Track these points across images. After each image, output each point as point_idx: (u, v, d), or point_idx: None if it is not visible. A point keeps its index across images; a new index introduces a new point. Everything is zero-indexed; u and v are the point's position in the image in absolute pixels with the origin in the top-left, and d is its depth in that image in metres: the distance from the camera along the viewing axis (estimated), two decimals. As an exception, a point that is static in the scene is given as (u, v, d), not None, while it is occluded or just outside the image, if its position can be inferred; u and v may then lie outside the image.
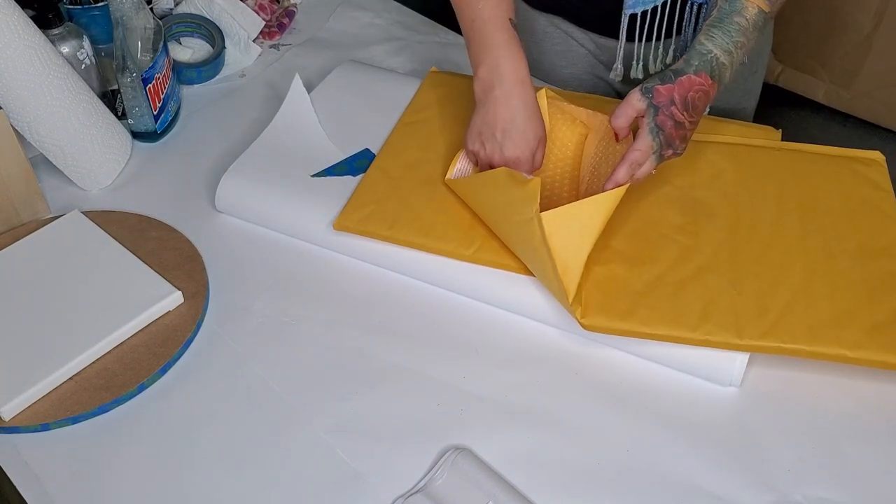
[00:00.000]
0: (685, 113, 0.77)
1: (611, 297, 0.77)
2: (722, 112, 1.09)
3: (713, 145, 0.91)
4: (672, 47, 0.96)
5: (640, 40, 0.95)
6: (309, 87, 1.02)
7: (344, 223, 0.85)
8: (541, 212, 0.74)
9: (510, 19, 0.82)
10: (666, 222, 0.84)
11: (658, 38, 0.94)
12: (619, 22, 0.95)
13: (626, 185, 0.77)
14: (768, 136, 0.93)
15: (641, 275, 0.79)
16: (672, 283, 0.78)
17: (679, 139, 0.78)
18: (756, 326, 0.74)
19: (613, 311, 0.76)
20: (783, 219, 0.84)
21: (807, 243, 0.82)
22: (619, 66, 0.98)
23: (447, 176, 0.87)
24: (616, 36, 0.97)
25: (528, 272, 0.80)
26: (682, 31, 0.94)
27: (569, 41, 1.06)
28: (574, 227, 0.75)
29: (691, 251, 0.81)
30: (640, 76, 0.97)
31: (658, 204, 0.86)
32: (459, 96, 0.98)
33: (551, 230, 0.74)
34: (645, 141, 0.77)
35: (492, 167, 0.84)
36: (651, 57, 0.97)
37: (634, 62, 0.97)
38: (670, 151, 0.79)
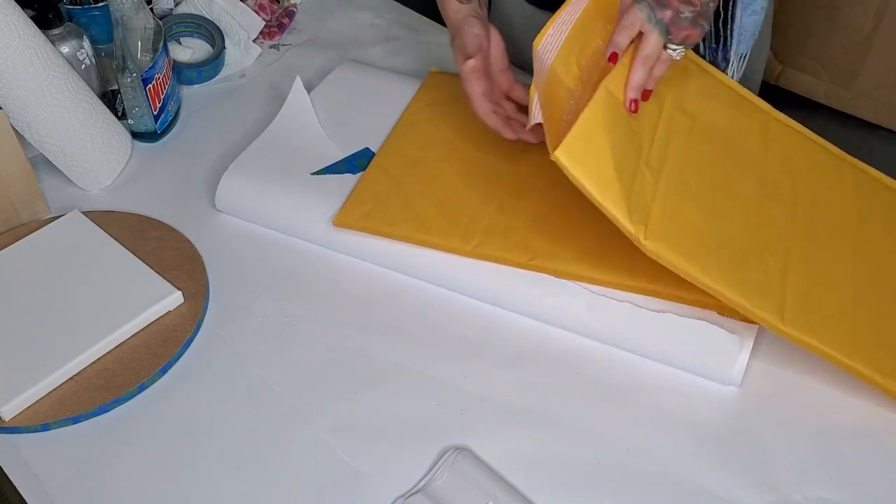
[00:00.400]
0: None
1: (680, 234, 0.75)
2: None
3: (791, 132, 0.91)
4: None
5: None
6: (309, 87, 1.02)
7: (343, 220, 0.85)
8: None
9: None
10: (743, 187, 0.82)
11: None
12: None
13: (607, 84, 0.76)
14: None
15: (714, 227, 0.77)
16: (740, 248, 0.77)
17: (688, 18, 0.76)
18: (802, 320, 0.73)
19: (680, 247, 0.74)
20: (860, 227, 0.83)
21: (878, 258, 0.81)
22: None
23: (529, 124, 0.82)
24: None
25: (529, 267, 0.80)
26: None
27: None
28: (589, 150, 0.73)
29: (764, 226, 0.80)
30: None
31: (736, 166, 0.84)
32: (460, 96, 0.98)
33: (570, 163, 0.72)
34: (650, 37, 0.76)
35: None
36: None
37: None
38: (684, 33, 0.77)
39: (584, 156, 0.72)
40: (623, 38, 0.77)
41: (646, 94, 0.79)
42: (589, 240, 0.81)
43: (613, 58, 0.77)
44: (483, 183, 0.88)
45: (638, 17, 0.77)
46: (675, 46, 0.78)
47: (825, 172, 0.88)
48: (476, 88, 0.86)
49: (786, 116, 0.92)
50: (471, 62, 0.85)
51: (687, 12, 0.77)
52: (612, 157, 0.74)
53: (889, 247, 0.83)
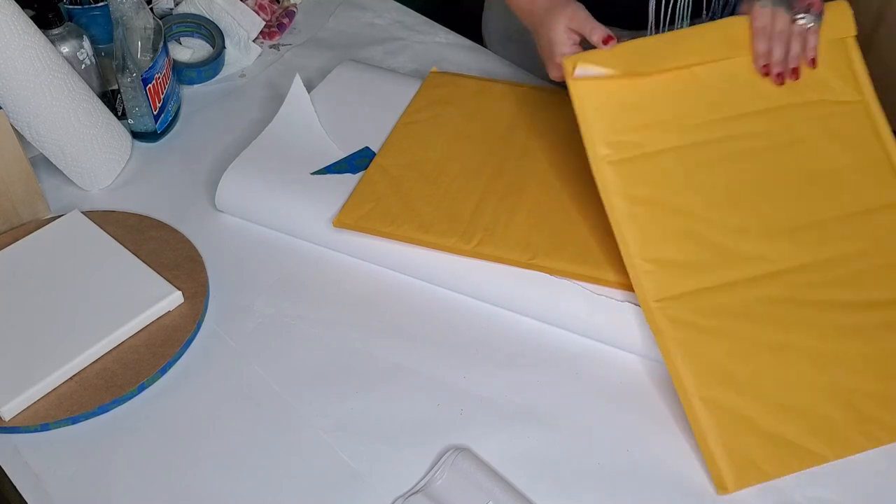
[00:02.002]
0: None
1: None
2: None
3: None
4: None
5: (665, 25, 0.95)
6: (309, 87, 1.02)
7: (344, 220, 0.85)
8: None
9: None
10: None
11: (683, 21, 0.95)
12: (625, 12, 0.97)
13: None
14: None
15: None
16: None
17: None
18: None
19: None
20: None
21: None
22: None
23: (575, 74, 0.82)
24: (621, 26, 0.98)
25: (529, 266, 0.80)
26: (710, 9, 0.95)
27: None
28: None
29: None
30: None
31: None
32: (460, 96, 0.98)
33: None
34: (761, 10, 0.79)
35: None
36: None
37: None
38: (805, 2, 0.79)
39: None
40: (762, 45, 0.80)
41: (796, 72, 0.82)
42: (589, 238, 0.81)
43: (780, 77, 0.81)
44: (483, 182, 0.88)
45: (768, 11, 0.79)
46: (802, 15, 0.80)
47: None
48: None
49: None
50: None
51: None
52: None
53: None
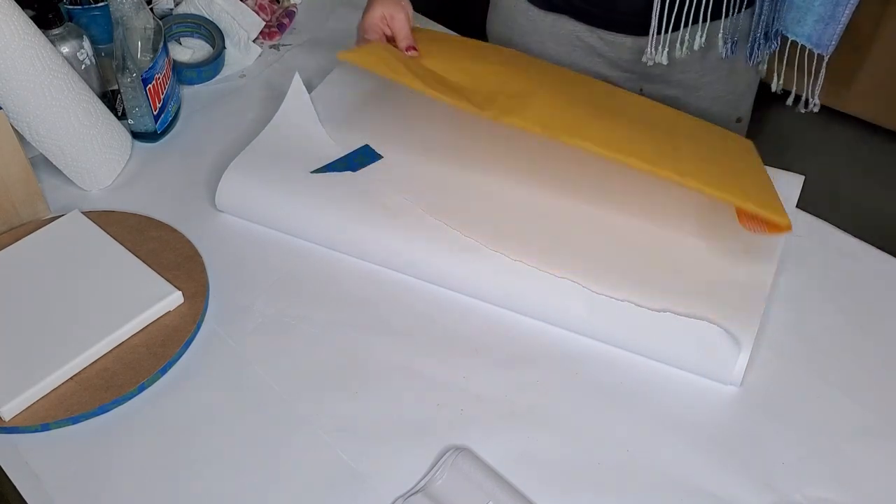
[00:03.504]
0: None
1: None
2: (715, 115, 1.09)
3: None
4: (699, 33, 0.95)
5: (667, 30, 0.94)
6: (309, 87, 1.02)
7: (351, 55, 0.87)
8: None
9: None
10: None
11: (685, 26, 0.94)
12: (629, 18, 0.97)
13: None
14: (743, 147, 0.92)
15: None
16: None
17: None
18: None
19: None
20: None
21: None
22: (650, 50, 0.97)
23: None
24: (625, 31, 1.00)
25: (550, 135, 0.81)
26: (730, 13, 0.95)
27: (572, 40, 1.06)
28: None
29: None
30: (665, 62, 0.97)
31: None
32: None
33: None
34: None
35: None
36: (677, 44, 0.97)
37: (660, 47, 0.97)
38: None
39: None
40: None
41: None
42: (611, 128, 0.83)
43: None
44: (503, 78, 0.90)
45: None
46: None
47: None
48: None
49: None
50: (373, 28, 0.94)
51: None
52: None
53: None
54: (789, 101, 1.00)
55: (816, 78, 0.95)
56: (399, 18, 0.93)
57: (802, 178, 0.89)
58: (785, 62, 0.96)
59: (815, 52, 0.93)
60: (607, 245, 0.84)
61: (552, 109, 0.84)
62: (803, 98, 0.96)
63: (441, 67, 0.91)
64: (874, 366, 0.77)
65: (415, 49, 0.92)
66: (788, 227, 0.76)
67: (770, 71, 0.99)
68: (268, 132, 0.97)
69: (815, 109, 0.96)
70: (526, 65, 0.95)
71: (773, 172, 0.90)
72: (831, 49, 0.92)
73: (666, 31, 0.95)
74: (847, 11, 0.88)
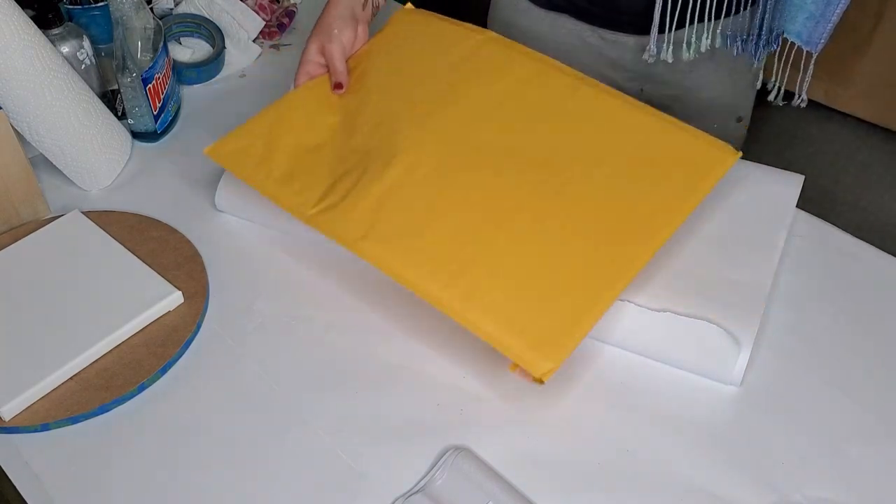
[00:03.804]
0: None
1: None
2: (716, 114, 1.09)
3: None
4: (704, 34, 0.95)
5: (670, 29, 0.94)
6: (309, 87, 1.02)
7: (215, 150, 0.86)
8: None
9: None
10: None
11: (688, 24, 0.94)
12: (631, 17, 0.97)
13: None
14: (723, 155, 0.82)
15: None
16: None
17: None
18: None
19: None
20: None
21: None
22: (652, 47, 0.97)
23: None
24: (627, 31, 1.00)
25: (353, 248, 0.76)
26: (733, 12, 0.95)
27: (573, 40, 1.06)
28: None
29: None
30: (670, 59, 0.97)
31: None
32: (426, 36, 0.96)
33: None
34: None
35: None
36: (684, 42, 0.96)
37: (664, 46, 0.96)
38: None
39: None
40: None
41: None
42: (433, 234, 0.76)
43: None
44: (372, 141, 0.85)
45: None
46: None
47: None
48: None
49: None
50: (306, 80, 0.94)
51: None
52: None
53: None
54: (771, 97, 1.00)
55: (805, 75, 0.95)
56: (331, 50, 0.92)
57: (802, 177, 0.89)
58: (775, 59, 0.97)
59: (805, 49, 0.93)
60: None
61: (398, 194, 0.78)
62: (793, 93, 0.97)
63: (355, 110, 0.89)
64: (874, 366, 0.77)
65: (341, 87, 0.91)
66: (539, 379, 0.67)
67: (766, 69, 1.00)
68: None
69: (803, 105, 0.96)
70: (446, 90, 0.89)
71: (772, 172, 0.90)
72: (820, 47, 0.92)
73: (669, 30, 0.95)
74: (838, 11, 0.89)
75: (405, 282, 0.74)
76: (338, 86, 0.92)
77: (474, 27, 0.95)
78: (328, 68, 0.94)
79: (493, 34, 0.94)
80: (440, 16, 0.99)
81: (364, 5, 0.95)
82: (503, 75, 0.89)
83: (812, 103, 2.05)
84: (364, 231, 0.76)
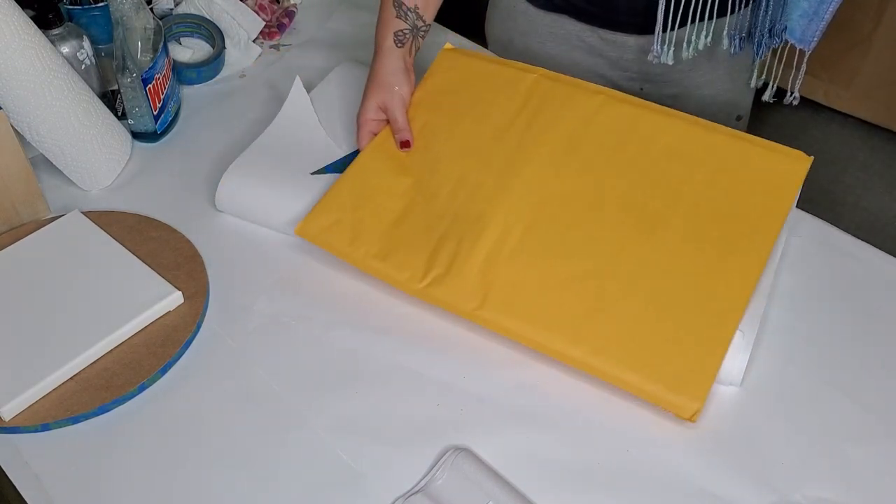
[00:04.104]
0: None
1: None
2: (716, 113, 1.09)
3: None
4: (704, 32, 0.95)
5: (672, 27, 0.94)
6: (309, 87, 1.02)
7: (306, 229, 0.84)
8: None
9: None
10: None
11: (690, 23, 0.94)
12: (630, 18, 0.98)
13: None
14: (797, 162, 0.82)
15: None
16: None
17: None
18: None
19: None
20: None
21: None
22: (656, 48, 0.97)
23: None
24: (627, 31, 1.00)
25: (472, 317, 0.78)
26: (735, 10, 0.94)
27: (572, 40, 1.06)
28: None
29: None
30: (670, 61, 0.97)
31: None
32: (465, 84, 0.94)
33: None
34: None
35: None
36: (684, 43, 0.96)
37: (666, 46, 0.96)
38: None
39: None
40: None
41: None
42: (544, 293, 0.78)
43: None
44: (459, 201, 0.85)
45: None
46: None
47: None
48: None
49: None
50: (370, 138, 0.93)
51: None
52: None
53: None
54: (766, 97, 1.00)
55: (797, 72, 0.95)
56: (393, 106, 0.91)
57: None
58: (769, 57, 0.97)
59: (798, 47, 0.93)
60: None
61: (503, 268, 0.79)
62: (785, 90, 0.98)
63: (438, 154, 0.89)
64: (874, 366, 0.77)
65: (408, 145, 0.90)
66: (689, 418, 0.70)
67: (760, 67, 1.00)
68: (268, 135, 0.96)
69: (795, 102, 0.97)
70: (530, 145, 0.88)
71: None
72: (813, 45, 0.93)
73: (672, 29, 0.95)
74: (831, 9, 0.89)
75: (532, 344, 0.76)
76: (405, 144, 0.90)
77: (521, 65, 0.95)
78: (389, 124, 0.92)
79: (543, 71, 0.94)
80: (483, 55, 1.00)
81: (410, 52, 0.94)
82: (565, 115, 0.89)
83: (812, 104, 2.06)
84: (479, 301, 0.78)
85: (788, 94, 0.97)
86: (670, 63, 0.97)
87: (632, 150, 0.86)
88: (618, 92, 0.91)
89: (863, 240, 0.88)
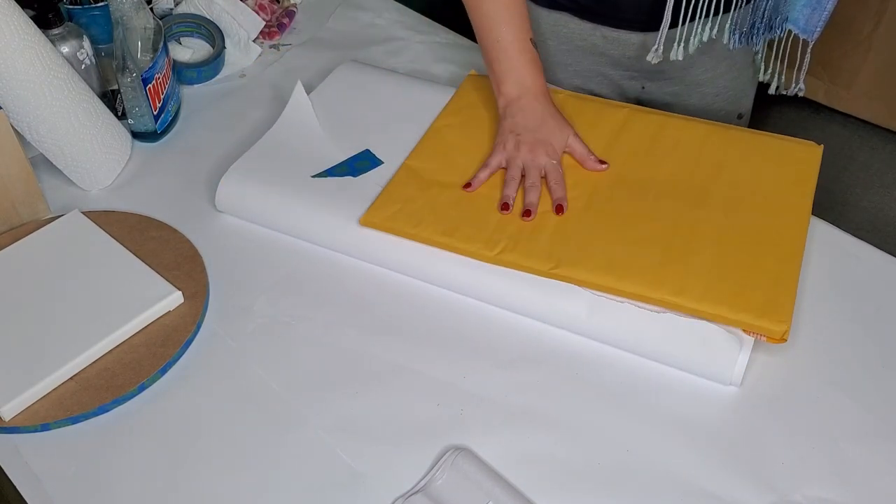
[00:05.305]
0: None
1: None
2: (717, 112, 1.09)
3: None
4: (709, 26, 0.95)
5: (682, 22, 0.94)
6: (309, 88, 1.02)
7: (371, 219, 0.85)
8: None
9: (530, 39, 0.91)
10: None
11: (696, 19, 0.94)
12: (634, 16, 0.98)
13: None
14: (811, 150, 0.91)
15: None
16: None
17: None
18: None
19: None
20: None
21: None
22: (659, 47, 0.97)
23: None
24: (631, 28, 1.01)
25: (550, 275, 0.80)
26: (737, 6, 0.95)
27: (575, 39, 1.06)
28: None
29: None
30: (680, 57, 0.97)
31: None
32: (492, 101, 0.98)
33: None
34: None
35: (524, 168, 0.89)
36: (691, 38, 0.96)
37: (673, 43, 0.96)
38: None
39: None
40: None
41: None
42: (615, 250, 0.81)
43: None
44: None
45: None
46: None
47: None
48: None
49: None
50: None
51: None
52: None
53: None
54: (772, 90, 1.00)
55: (802, 63, 0.97)
56: (574, 145, 0.91)
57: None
58: (772, 54, 0.97)
59: (801, 37, 0.94)
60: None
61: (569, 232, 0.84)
62: (788, 82, 0.99)
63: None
64: (874, 366, 0.77)
65: (470, 185, 0.89)
66: (780, 339, 0.74)
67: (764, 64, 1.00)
68: (268, 137, 0.96)
69: (801, 93, 0.97)
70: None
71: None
72: (816, 35, 0.94)
73: (677, 25, 0.94)
74: None
75: (614, 291, 0.79)
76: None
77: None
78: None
79: (568, 92, 1.00)
80: None
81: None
82: (597, 124, 0.95)
83: (813, 104, 2.06)
84: (555, 262, 0.81)
85: (794, 84, 0.98)
86: (681, 59, 0.96)
87: (660, 152, 0.92)
88: (640, 107, 0.97)
89: (863, 239, 0.88)
